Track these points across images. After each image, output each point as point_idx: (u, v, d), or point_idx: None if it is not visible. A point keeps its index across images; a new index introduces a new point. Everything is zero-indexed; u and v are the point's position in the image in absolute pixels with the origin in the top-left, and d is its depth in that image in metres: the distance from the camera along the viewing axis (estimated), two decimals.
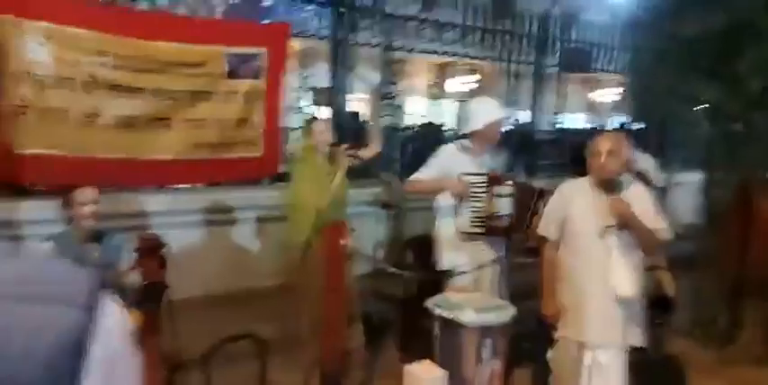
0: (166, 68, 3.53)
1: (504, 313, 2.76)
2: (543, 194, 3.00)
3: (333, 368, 2.41)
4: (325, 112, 4.98)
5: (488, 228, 3.07)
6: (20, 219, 3.20)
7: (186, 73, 3.59)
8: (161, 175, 3.75)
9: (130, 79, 3.42)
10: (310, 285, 3.00)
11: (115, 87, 3.38)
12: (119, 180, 3.63)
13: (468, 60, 5.75)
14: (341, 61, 4.60)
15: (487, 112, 3.23)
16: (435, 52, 5.43)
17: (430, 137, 5.60)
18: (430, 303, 2.78)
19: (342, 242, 2.33)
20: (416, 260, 4.11)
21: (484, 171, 3.13)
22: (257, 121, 3.92)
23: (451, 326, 2.68)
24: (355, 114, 5.10)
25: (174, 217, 3.71)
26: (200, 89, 3.67)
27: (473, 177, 3.08)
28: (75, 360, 0.64)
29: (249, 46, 3.81)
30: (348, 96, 4.57)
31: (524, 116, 6.76)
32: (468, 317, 2.66)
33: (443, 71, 5.91)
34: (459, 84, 7.17)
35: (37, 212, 3.02)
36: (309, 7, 4.68)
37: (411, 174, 3.31)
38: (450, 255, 3.21)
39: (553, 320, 2.64)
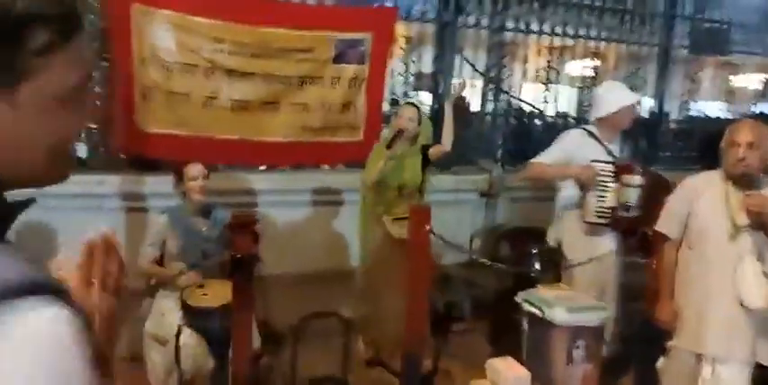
0: (277, 54, 3.68)
1: (600, 313, 2.61)
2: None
3: (414, 351, 2.42)
4: (426, 98, 4.94)
5: (615, 220, 2.90)
6: (144, 191, 3.52)
7: (296, 58, 3.73)
8: (269, 156, 3.96)
9: (245, 64, 3.62)
10: (378, 265, 3.08)
11: (231, 72, 3.60)
12: (232, 159, 3.89)
13: (585, 42, 5.36)
14: (446, 45, 4.51)
15: (620, 97, 3.04)
16: (550, 34, 5.15)
17: (539, 123, 5.37)
18: (520, 298, 2.69)
19: (426, 227, 2.31)
20: (512, 251, 4.00)
21: (611, 159, 2.96)
22: (360, 106, 3.98)
23: (541, 323, 2.58)
24: (462, 99, 5.01)
25: (279, 196, 3.90)
26: (308, 74, 3.80)
27: (601, 165, 2.91)
28: None
29: (356, 31, 3.86)
30: (453, 81, 4.48)
31: (649, 103, 6.25)
32: (559, 315, 2.54)
33: (558, 54, 5.60)
34: (575, 67, 6.77)
35: (159, 186, 3.30)
36: None
37: (514, 161, 3.20)
38: (573, 247, 3.08)
39: (667, 327, 2.46)
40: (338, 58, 3.83)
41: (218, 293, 2.55)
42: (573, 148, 3.03)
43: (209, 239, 2.90)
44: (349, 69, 3.89)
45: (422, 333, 2.47)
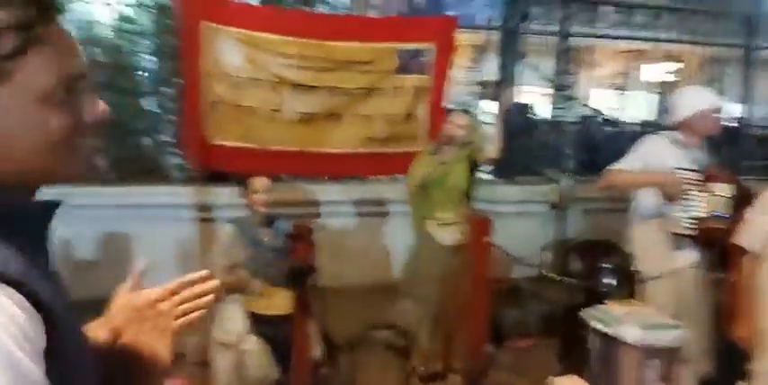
0: (341, 66, 3.75)
1: (675, 332, 2.43)
2: None
3: (474, 367, 2.36)
4: (491, 106, 4.86)
5: (702, 231, 2.72)
6: (211, 203, 3.67)
7: (359, 70, 3.78)
8: (333, 167, 4.01)
9: (309, 78, 3.71)
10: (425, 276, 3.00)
11: (296, 86, 3.70)
12: (297, 170, 3.98)
13: (662, 46, 5.11)
14: (511, 53, 4.42)
15: (696, 100, 2.84)
16: (623, 38, 4.94)
17: (611, 131, 5.14)
18: (586, 314, 2.56)
19: (485, 239, 2.26)
20: (582, 265, 3.82)
21: (696, 167, 2.78)
22: (422, 116, 3.97)
23: (610, 341, 2.44)
24: (524, 107, 4.86)
25: (342, 206, 3.94)
26: (371, 85, 3.84)
27: (687, 173, 2.75)
28: None
29: (418, 41, 3.87)
30: (518, 89, 4.39)
31: (732, 108, 5.85)
32: (630, 333, 2.39)
33: (633, 59, 5.35)
34: (651, 72, 6.45)
35: (228, 197, 3.42)
36: None
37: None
38: (649, 259, 2.92)
39: (745, 345, 2.27)
40: (401, 69, 3.85)
41: (281, 302, 2.60)
42: (653, 155, 2.86)
43: (273, 249, 2.96)
44: (411, 79, 3.90)
45: (482, 348, 2.40)
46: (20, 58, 0.61)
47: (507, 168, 3.44)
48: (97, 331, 0.82)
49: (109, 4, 3.99)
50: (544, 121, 4.83)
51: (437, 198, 3.17)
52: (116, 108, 4.04)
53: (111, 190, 3.74)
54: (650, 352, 2.40)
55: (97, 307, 0.86)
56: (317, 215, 3.85)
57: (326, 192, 4.01)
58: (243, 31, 3.52)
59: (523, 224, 4.10)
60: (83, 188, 3.76)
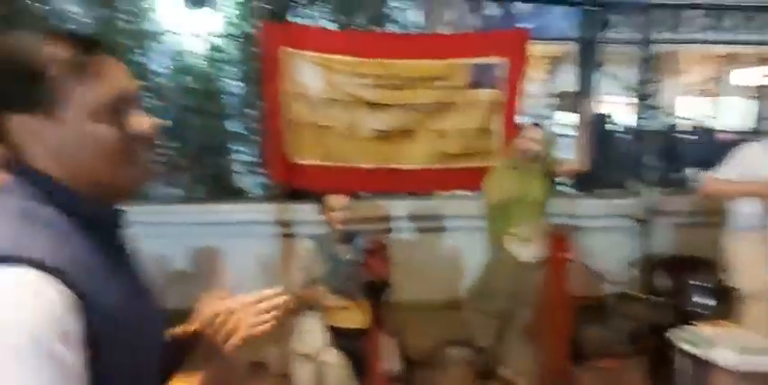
0: (415, 84, 3.83)
1: None
2: None
3: (557, 382, 2.30)
4: (568, 118, 4.74)
5: None
6: (292, 219, 3.83)
7: (431, 86, 3.84)
8: (408, 183, 4.07)
9: (383, 96, 3.82)
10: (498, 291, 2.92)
11: (370, 104, 3.81)
12: (373, 187, 4.07)
13: (756, 49, 4.79)
14: (590, 62, 4.31)
15: None
16: (711, 42, 4.69)
17: (696, 140, 4.86)
18: (674, 335, 2.43)
19: (565, 255, 2.21)
20: (670, 282, 3.62)
21: None
22: (496, 130, 3.96)
23: (701, 365, 2.30)
24: (603, 117, 4.70)
25: (418, 222, 3.98)
26: (444, 101, 3.88)
27: None
28: None
29: (490, 56, 3.87)
30: (598, 99, 4.27)
31: None
32: (725, 356, 2.24)
33: (723, 63, 5.05)
34: (745, 77, 6.04)
35: (305, 214, 3.56)
36: (557, 9, 4.52)
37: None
38: (749, 275, 2.75)
39: None
40: (474, 84, 3.87)
41: (359, 316, 2.67)
42: (751, 164, 2.69)
43: (351, 264, 3.04)
44: (484, 94, 3.90)
45: (564, 368, 2.33)
46: (74, 83, 0.75)
47: (588, 181, 3.34)
48: (181, 332, 0.96)
49: (199, 36, 4.30)
50: (625, 132, 4.65)
51: (515, 213, 3.13)
52: (205, 130, 4.35)
53: (200, 208, 4.00)
54: (748, 377, 2.24)
55: (187, 315, 0.97)
56: (391, 230, 3.91)
57: (397, 207, 4.07)
58: (318, 54, 3.69)
59: (606, 239, 3.95)
60: (174, 206, 4.05)
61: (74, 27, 3.87)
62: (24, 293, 0.66)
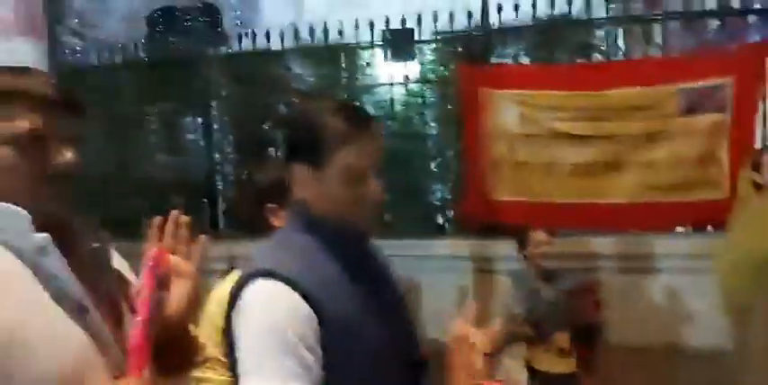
0: (619, 114, 3.61)
1: None
2: None
3: None
4: None
5: None
6: (488, 255, 3.81)
7: (637, 116, 3.58)
8: (613, 219, 3.78)
9: (585, 128, 3.66)
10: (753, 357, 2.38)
11: (571, 137, 3.68)
12: (575, 223, 3.87)
13: None
14: None
15: None
16: None
17: None
18: None
19: None
20: None
21: None
22: (722, 159, 3.50)
23: None
24: None
25: (624, 261, 3.68)
26: (653, 130, 3.57)
27: None
28: None
29: (709, 78, 3.49)
30: None
31: None
32: None
33: None
34: None
35: (503, 250, 3.53)
36: None
37: None
38: None
39: None
40: (689, 110, 3.51)
41: (563, 359, 2.52)
42: None
43: (552, 304, 2.91)
44: (704, 120, 3.50)
45: None
46: (343, 146, 1.00)
47: None
48: None
49: (402, 84, 4.66)
50: None
51: None
52: (407, 171, 4.60)
53: (404, 242, 4.20)
54: None
55: None
56: (598, 269, 3.65)
57: (608, 244, 3.80)
58: (517, 91, 3.71)
59: None
60: (385, 241, 4.31)
61: (314, 89, 4.55)
62: (273, 298, 0.92)
